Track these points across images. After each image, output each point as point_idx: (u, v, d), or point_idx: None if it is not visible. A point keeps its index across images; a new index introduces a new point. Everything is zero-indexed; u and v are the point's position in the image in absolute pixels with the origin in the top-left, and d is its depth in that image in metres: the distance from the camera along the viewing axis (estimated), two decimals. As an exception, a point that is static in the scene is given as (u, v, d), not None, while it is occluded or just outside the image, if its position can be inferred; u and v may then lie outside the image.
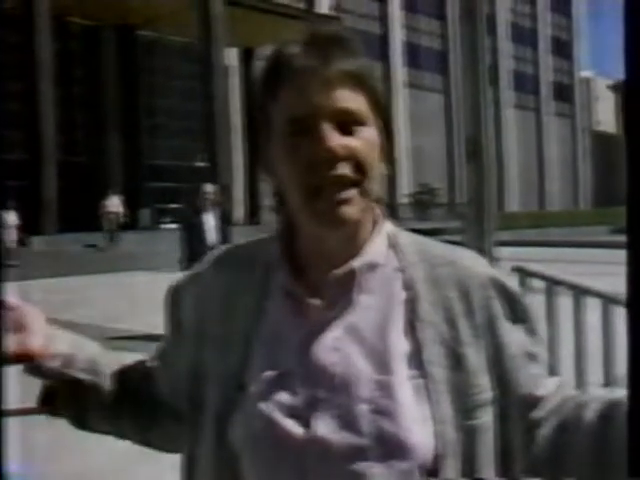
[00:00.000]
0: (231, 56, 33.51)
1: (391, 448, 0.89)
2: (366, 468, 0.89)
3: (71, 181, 28.24)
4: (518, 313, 1.01)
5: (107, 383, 1.09)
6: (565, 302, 5.08)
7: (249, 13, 29.83)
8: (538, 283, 5.18)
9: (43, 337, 0.99)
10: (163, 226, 31.14)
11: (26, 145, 26.96)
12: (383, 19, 50.29)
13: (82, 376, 1.07)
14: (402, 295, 0.97)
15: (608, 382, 4.79)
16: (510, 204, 56.58)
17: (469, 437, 0.93)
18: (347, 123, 0.92)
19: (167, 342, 1.12)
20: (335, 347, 0.94)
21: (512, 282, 1.05)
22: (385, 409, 0.90)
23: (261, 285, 1.01)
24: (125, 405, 1.10)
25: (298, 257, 1.01)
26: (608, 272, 6.53)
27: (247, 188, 34.99)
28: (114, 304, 12.60)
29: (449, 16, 53.96)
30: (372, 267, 0.98)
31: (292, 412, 0.92)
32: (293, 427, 0.91)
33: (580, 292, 4.99)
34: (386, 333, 0.95)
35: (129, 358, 1.16)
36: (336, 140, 0.91)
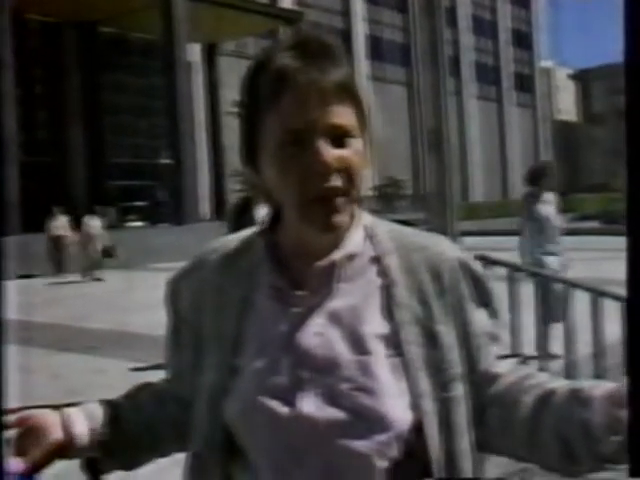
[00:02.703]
0: (194, 52, 33.28)
1: (370, 422, 0.97)
2: (348, 441, 0.97)
3: (33, 181, 27.85)
4: (483, 295, 1.09)
5: (131, 424, 1.16)
6: (527, 289, 5.19)
7: (211, 8, 29.64)
8: (501, 271, 5.28)
9: (57, 437, 1.08)
10: (128, 224, 30.86)
11: (-14, 145, 26.51)
12: (346, 13, 50.35)
13: (109, 437, 1.13)
14: (378, 281, 1.05)
15: (568, 365, 4.92)
16: (474, 194, 57.11)
17: (445, 408, 1.01)
18: (339, 136, 0.98)
19: (170, 339, 1.19)
20: (318, 332, 1.02)
21: (477, 265, 1.13)
22: (364, 386, 0.98)
23: (249, 279, 1.08)
24: (157, 427, 1.18)
25: (281, 251, 1.08)
26: (572, 258, 6.69)
27: (212, 184, 34.84)
28: (81, 304, 12.50)
29: (411, 9, 54.17)
30: (351, 257, 1.05)
31: (279, 393, 1.00)
32: (280, 407, 0.99)
33: (542, 278, 5.11)
34: (364, 317, 1.02)
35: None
36: (330, 154, 0.97)
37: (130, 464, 1.17)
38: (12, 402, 1.05)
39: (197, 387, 1.08)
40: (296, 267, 1.06)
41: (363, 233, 1.08)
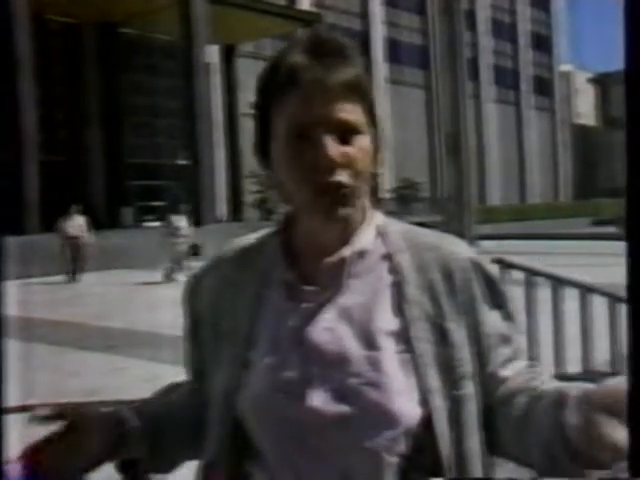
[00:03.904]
0: (212, 53, 33.41)
1: (378, 416, 0.98)
2: (357, 436, 0.98)
3: (53, 180, 28.06)
4: (496, 296, 1.10)
5: (171, 424, 1.16)
6: (544, 293, 5.17)
7: (230, 10, 29.72)
8: (518, 275, 5.26)
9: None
10: (145, 224, 31.00)
11: (7, 144, 26.77)
12: (364, 15, 50.31)
13: (154, 436, 1.12)
14: (389, 279, 1.07)
15: (586, 370, 4.89)
16: (491, 198, 56.87)
17: (455, 406, 1.02)
18: (346, 132, 1.01)
19: (190, 338, 1.20)
20: (328, 327, 1.04)
21: (493, 268, 1.15)
22: (373, 381, 0.99)
23: (263, 276, 1.11)
24: (191, 426, 1.17)
25: (295, 249, 1.11)
26: (588, 263, 6.65)
27: (230, 185, 34.92)
28: (98, 302, 12.58)
29: (429, 11, 54.05)
30: (361, 254, 1.07)
31: (290, 387, 1.01)
32: (291, 401, 1.01)
33: (558, 282, 5.08)
34: (374, 313, 1.04)
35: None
36: (335, 150, 0.99)
37: (170, 464, 1.18)
38: (31, 399, 1.06)
39: (213, 383, 1.10)
40: (308, 263, 1.09)
41: (375, 231, 1.11)
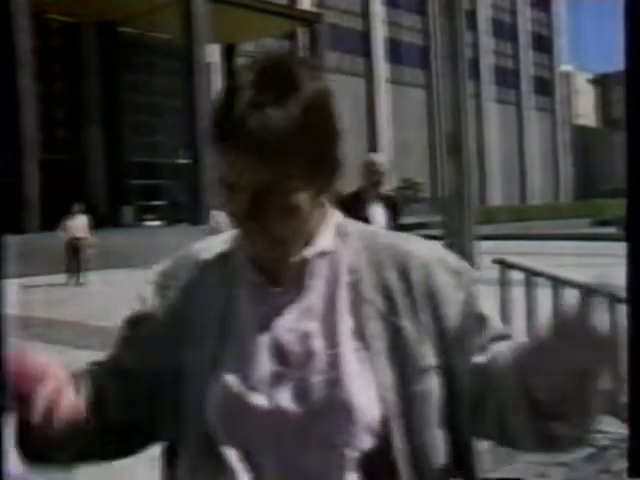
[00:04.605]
0: (213, 53, 33.41)
1: (339, 413, 1.02)
2: (318, 432, 1.02)
3: (53, 178, 28.06)
4: (461, 287, 1.12)
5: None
6: (545, 293, 5.17)
7: (231, 9, 29.72)
8: (518, 275, 5.26)
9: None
10: (146, 223, 31.01)
11: (7, 143, 26.75)
12: (365, 15, 50.29)
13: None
14: (347, 278, 1.10)
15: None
16: (491, 198, 56.87)
17: (412, 400, 1.05)
18: (271, 189, 1.00)
19: (144, 325, 1.17)
20: (292, 328, 1.07)
21: (455, 258, 1.16)
22: (335, 379, 1.03)
23: (232, 277, 1.13)
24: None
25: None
26: (589, 264, 6.65)
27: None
28: (97, 302, 12.59)
29: (430, 11, 54.04)
30: (322, 255, 1.10)
31: (257, 386, 1.05)
32: (258, 400, 1.04)
33: (559, 283, 5.08)
34: (334, 313, 1.08)
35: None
36: (247, 225, 1.03)
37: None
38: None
39: (184, 385, 1.10)
40: (273, 265, 1.10)
41: (334, 231, 1.13)
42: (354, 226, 1.16)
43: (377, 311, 1.07)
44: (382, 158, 5.69)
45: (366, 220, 5.16)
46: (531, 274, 5.16)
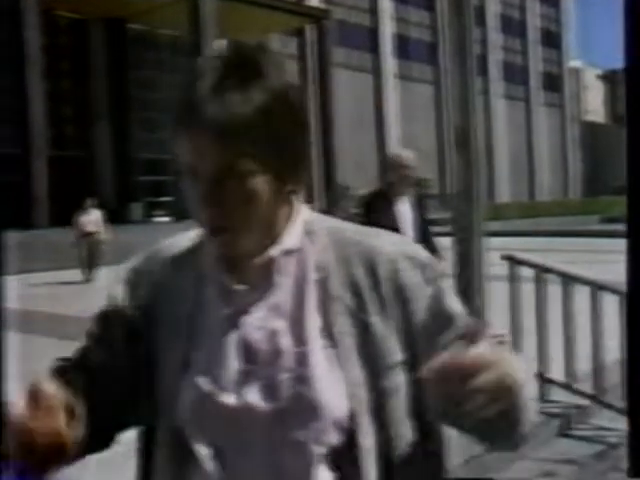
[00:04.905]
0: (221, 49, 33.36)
1: (307, 410, 1.02)
2: (288, 429, 1.03)
3: (62, 175, 28.14)
4: (429, 283, 1.11)
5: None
6: (554, 290, 5.15)
7: (238, 6, 29.74)
8: (528, 272, 5.24)
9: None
10: (155, 219, 31.08)
11: (16, 139, 26.83)
12: (373, 11, 50.20)
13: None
14: (315, 276, 1.09)
15: (597, 367, 4.87)
16: (500, 194, 56.73)
17: (381, 396, 1.05)
18: (232, 176, 1.00)
19: (112, 322, 1.16)
20: (259, 326, 1.07)
21: (423, 253, 1.15)
22: (303, 377, 1.03)
23: (200, 276, 1.13)
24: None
25: None
26: (598, 260, 6.62)
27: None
28: (105, 297, 12.61)
29: (438, 7, 53.90)
30: (289, 252, 1.10)
31: (226, 385, 1.05)
32: (227, 398, 1.05)
33: (569, 280, 5.06)
34: (302, 310, 1.07)
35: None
36: (212, 199, 1.01)
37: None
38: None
39: (155, 384, 1.10)
40: (239, 264, 1.10)
41: (302, 228, 1.12)
42: (322, 223, 1.15)
43: (346, 308, 1.07)
44: (408, 153, 5.46)
45: (394, 217, 5.17)
46: (540, 270, 5.14)
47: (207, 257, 1.13)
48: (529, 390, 1.00)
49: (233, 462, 1.05)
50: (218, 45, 1.10)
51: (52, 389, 0.98)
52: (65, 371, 1.12)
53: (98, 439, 1.11)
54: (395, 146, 46.98)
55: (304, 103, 1.10)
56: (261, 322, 1.07)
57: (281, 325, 1.07)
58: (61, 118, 30.96)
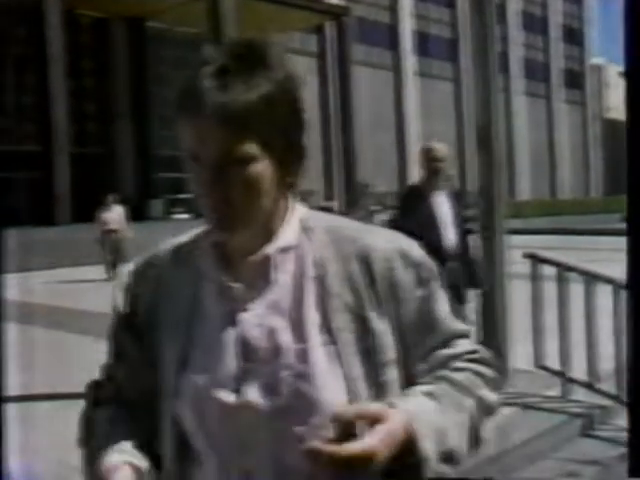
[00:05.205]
0: (240, 46, 33.44)
1: (307, 406, 1.03)
2: (286, 425, 1.04)
3: (83, 172, 28.34)
4: (421, 283, 1.12)
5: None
6: (576, 288, 5.10)
7: (258, 3, 29.75)
8: (550, 270, 5.19)
9: None
10: (175, 216, 31.21)
11: (38, 137, 27.07)
12: (393, 8, 50.04)
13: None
14: (313, 272, 1.10)
15: (619, 367, 4.82)
16: (521, 192, 56.38)
17: (379, 392, 1.07)
18: (233, 162, 1.01)
19: (120, 332, 1.20)
20: (258, 323, 1.08)
21: (418, 252, 1.14)
22: (302, 373, 1.04)
23: (197, 275, 1.14)
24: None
25: (225, 248, 1.13)
26: (620, 259, 6.53)
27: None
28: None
29: (459, 4, 53.64)
30: (285, 250, 1.10)
31: (225, 383, 1.06)
32: (226, 396, 1.06)
33: (591, 278, 5.01)
34: (301, 307, 1.08)
35: None
36: (213, 184, 1.02)
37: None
38: (64, 387, 1.07)
39: (158, 382, 1.12)
40: (237, 262, 1.11)
41: (298, 226, 1.13)
42: (319, 220, 1.15)
43: (344, 304, 1.07)
44: (441, 145, 5.23)
45: (430, 213, 4.98)
46: (563, 269, 5.09)
47: (205, 256, 1.14)
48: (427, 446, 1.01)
49: (234, 459, 1.06)
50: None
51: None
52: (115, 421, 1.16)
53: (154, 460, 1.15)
54: (415, 143, 46.84)
55: (304, 96, 1.11)
56: (259, 319, 1.08)
57: (280, 322, 1.07)
58: (83, 115, 31.17)
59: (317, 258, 1.10)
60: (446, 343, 1.13)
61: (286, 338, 1.06)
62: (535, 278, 5.20)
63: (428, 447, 0.99)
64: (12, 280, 13.52)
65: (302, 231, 1.12)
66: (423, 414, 1.01)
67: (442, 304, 1.14)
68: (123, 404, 1.17)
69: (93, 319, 9.44)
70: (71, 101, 27.69)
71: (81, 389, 1.24)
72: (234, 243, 1.10)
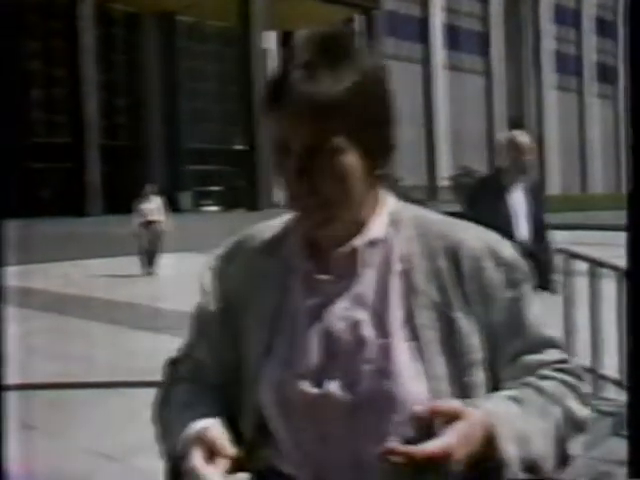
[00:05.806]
0: (270, 39, 33.50)
1: (387, 401, 1.02)
2: (366, 420, 1.03)
3: (113, 164, 28.62)
4: (511, 284, 1.08)
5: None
6: (608, 284, 5.04)
7: (288, -4, 29.78)
8: (580, 265, 5.14)
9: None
10: (204, 209, 31.41)
11: (70, 129, 27.37)
12: (424, 2, 49.73)
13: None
14: (400, 267, 1.08)
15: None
16: (551, 187, 55.83)
17: (463, 392, 1.03)
18: (321, 151, 1.01)
19: (207, 312, 1.19)
20: (343, 316, 1.07)
21: (510, 251, 1.10)
22: (384, 368, 1.03)
23: (286, 264, 1.13)
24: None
25: (313, 239, 1.12)
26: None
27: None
28: (156, 285, 12.78)
29: (490, -3, 53.15)
30: (373, 243, 1.09)
31: (307, 373, 1.06)
32: (308, 386, 1.05)
33: (623, 274, 4.94)
34: (385, 301, 1.07)
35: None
36: (300, 174, 1.01)
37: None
38: (96, 376, 1.06)
39: (241, 368, 1.12)
40: (324, 253, 1.10)
41: (387, 219, 1.11)
42: (409, 213, 1.13)
43: (430, 301, 1.06)
44: (524, 134, 4.78)
45: (505, 208, 4.66)
46: (595, 264, 5.04)
47: (293, 246, 1.13)
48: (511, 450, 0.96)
49: (311, 449, 1.06)
50: (302, 35, 1.12)
51: (222, 439, 1.03)
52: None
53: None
54: (444, 137, 46.57)
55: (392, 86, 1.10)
56: (344, 312, 1.07)
57: (364, 316, 1.06)
58: (113, 108, 31.46)
59: (404, 252, 1.08)
60: (534, 349, 1.08)
61: (369, 332, 1.05)
62: (566, 273, 5.15)
63: (510, 450, 0.95)
64: (42, 270, 13.68)
65: (391, 224, 1.11)
66: (506, 415, 0.97)
67: (533, 308, 1.10)
68: (202, 382, 1.17)
69: (127, 310, 9.56)
70: (102, 94, 27.95)
71: (114, 378, 1.24)
72: (323, 234, 1.09)
